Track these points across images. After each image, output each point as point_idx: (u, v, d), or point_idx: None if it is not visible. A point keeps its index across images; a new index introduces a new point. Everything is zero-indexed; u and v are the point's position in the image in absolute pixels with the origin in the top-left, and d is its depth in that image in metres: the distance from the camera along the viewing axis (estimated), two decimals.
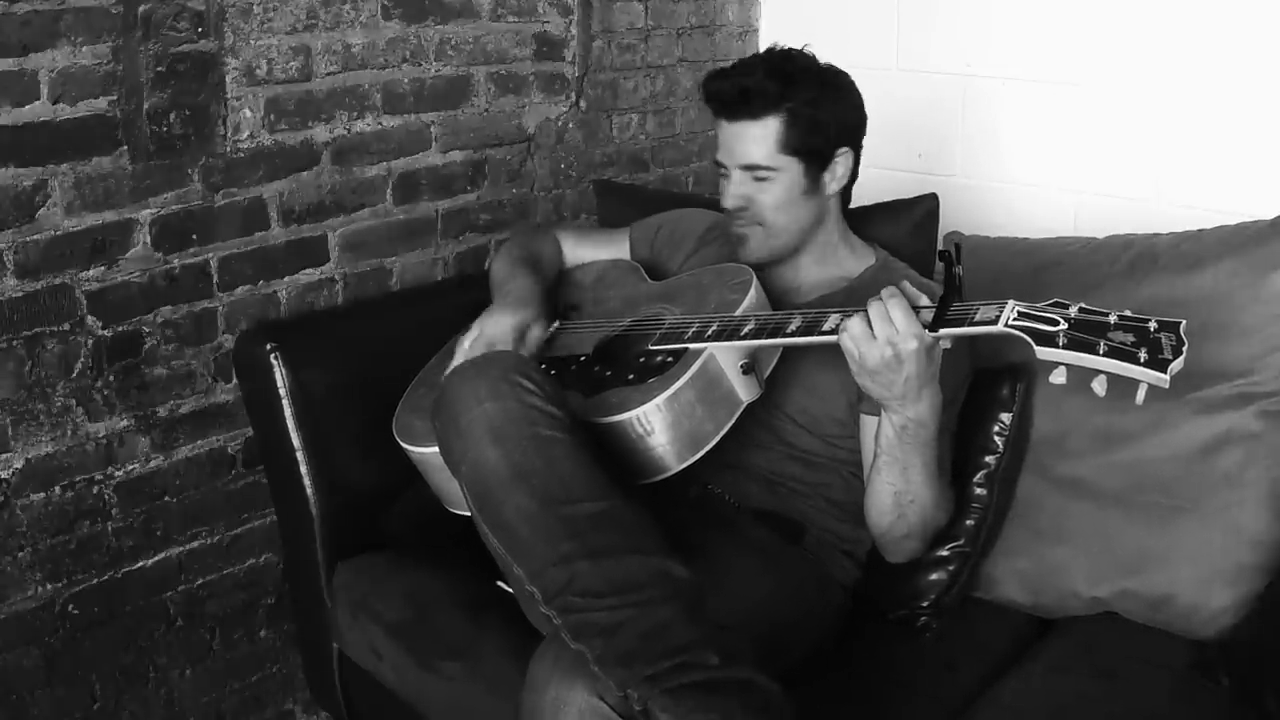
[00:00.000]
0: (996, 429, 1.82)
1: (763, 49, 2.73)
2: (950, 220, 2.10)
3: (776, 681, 1.33)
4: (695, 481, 1.69)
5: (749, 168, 1.74)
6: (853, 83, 1.78)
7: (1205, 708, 1.57)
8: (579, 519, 1.38)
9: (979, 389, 1.80)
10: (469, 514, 1.48)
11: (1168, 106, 2.24)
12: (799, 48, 1.77)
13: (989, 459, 1.81)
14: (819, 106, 1.72)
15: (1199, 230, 1.90)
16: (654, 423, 1.52)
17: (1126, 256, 1.91)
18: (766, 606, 1.57)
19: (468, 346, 1.71)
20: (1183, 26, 2.20)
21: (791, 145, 1.72)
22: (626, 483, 1.50)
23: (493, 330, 1.72)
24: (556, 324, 1.83)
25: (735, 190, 1.76)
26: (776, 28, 2.76)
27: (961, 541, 1.79)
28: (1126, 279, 1.87)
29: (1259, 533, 1.69)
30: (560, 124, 2.41)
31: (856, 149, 1.79)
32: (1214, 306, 1.76)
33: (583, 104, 2.45)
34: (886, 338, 1.40)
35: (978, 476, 1.81)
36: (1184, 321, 1.29)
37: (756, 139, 1.72)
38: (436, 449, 1.57)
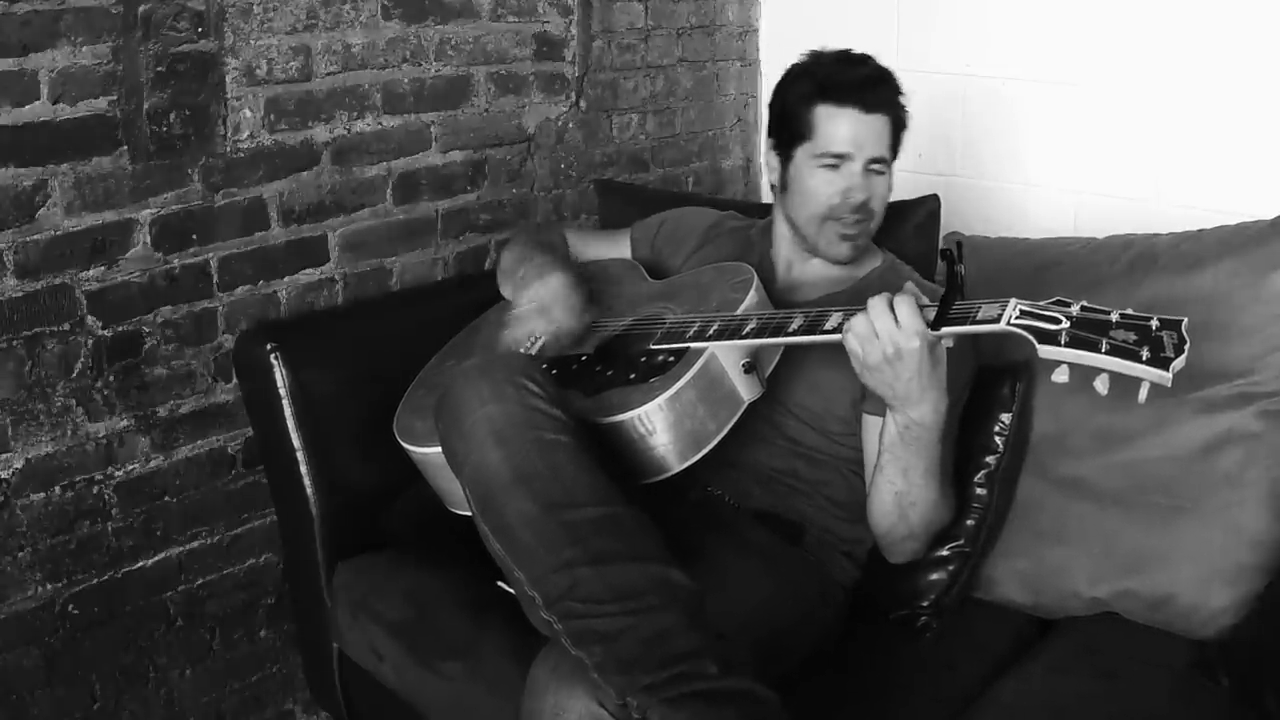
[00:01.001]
0: (997, 429, 1.82)
1: (763, 49, 2.73)
2: (950, 220, 2.10)
3: (775, 690, 1.33)
4: (695, 484, 1.69)
5: (877, 160, 1.71)
6: None
7: (1205, 708, 1.57)
8: (581, 524, 1.38)
9: (979, 388, 1.80)
10: (471, 514, 1.48)
11: (1168, 106, 2.24)
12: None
13: (989, 459, 1.81)
14: (903, 108, 1.74)
15: (1199, 230, 1.90)
16: (656, 422, 1.52)
17: (1126, 256, 1.91)
18: (766, 609, 1.57)
19: (523, 312, 1.70)
20: (1183, 26, 2.19)
21: (896, 143, 1.73)
22: (628, 484, 1.50)
23: (548, 291, 1.71)
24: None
25: (861, 183, 1.70)
26: (776, 28, 2.76)
27: (961, 541, 1.79)
28: (1126, 279, 1.87)
29: (1259, 533, 1.68)
30: (560, 124, 2.41)
31: None
32: (1214, 306, 1.76)
33: (583, 104, 2.44)
34: (889, 335, 1.40)
35: (978, 476, 1.81)
36: (1185, 319, 1.29)
37: (883, 131, 1.70)
38: (438, 449, 1.57)
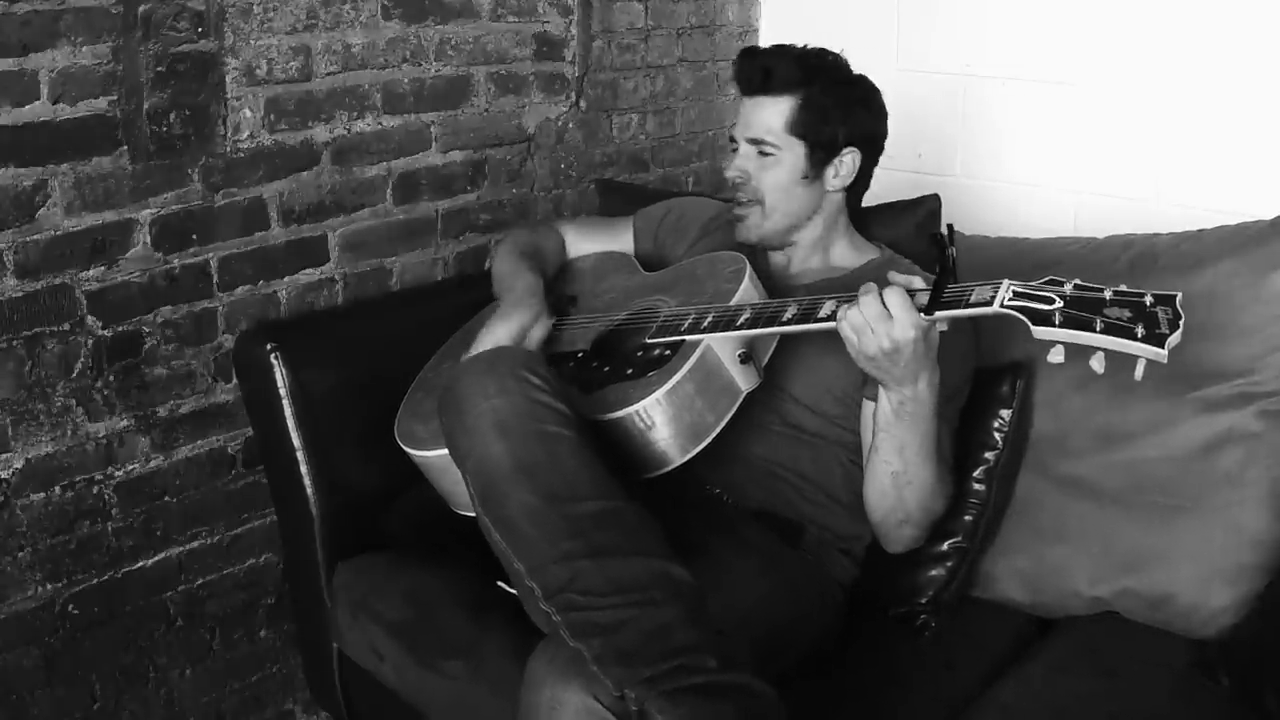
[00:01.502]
0: (996, 425, 1.82)
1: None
2: (950, 220, 2.09)
3: (773, 686, 1.33)
4: (694, 482, 1.69)
5: (756, 141, 1.77)
6: (879, 95, 1.82)
7: (1205, 707, 1.57)
8: (582, 517, 1.38)
9: (979, 386, 1.80)
10: (474, 513, 1.48)
11: (1167, 106, 2.24)
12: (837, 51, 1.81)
13: (988, 455, 1.81)
14: (836, 100, 1.76)
15: (1199, 230, 1.90)
16: (655, 417, 1.52)
17: (1126, 256, 1.91)
18: (764, 607, 1.57)
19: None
20: (1182, 26, 2.20)
21: (799, 128, 1.75)
22: (630, 481, 1.50)
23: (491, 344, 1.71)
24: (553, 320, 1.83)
25: (739, 163, 1.80)
26: (776, 28, 2.76)
27: (960, 538, 1.80)
28: (1126, 279, 1.84)
29: (1259, 532, 1.69)
30: (560, 124, 2.41)
31: (869, 154, 1.81)
32: (1214, 306, 1.76)
33: (583, 104, 2.45)
34: (884, 328, 1.41)
35: (977, 473, 1.81)
36: (1179, 294, 1.28)
37: (768, 115, 1.76)
38: (440, 452, 1.57)
